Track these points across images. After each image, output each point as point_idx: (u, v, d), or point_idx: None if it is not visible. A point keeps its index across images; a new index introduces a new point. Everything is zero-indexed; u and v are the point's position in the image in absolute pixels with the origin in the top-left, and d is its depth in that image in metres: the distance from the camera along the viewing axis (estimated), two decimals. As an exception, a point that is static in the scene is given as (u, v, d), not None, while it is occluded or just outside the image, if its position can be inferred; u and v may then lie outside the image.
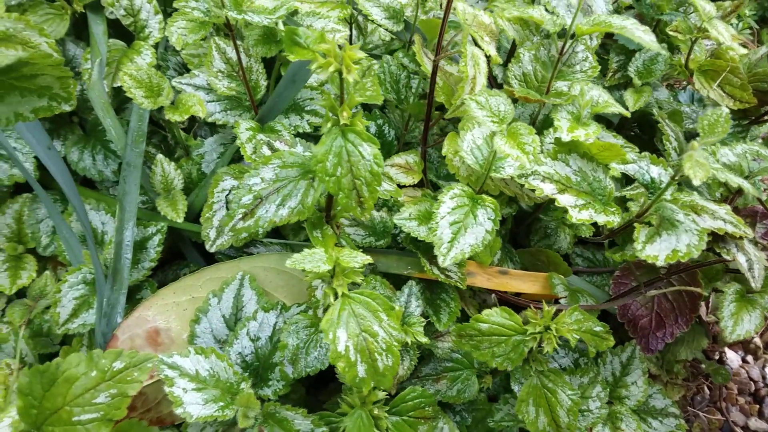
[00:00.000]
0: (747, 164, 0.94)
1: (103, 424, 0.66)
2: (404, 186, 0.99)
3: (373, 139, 0.65)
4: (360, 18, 1.19)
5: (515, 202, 1.02)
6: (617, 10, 1.14)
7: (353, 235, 0.93)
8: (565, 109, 0.86)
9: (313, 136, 0.98)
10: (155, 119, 1.07)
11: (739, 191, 1.00)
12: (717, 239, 0.84)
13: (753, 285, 0.85)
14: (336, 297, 0.69)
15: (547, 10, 0.90)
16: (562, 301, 0.96)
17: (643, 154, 0.84)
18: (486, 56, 0.79)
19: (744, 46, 1.25)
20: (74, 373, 0.65)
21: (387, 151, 1.05)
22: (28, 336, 0.92)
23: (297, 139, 0.86)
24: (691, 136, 1.23)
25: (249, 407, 0.69)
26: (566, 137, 0.81)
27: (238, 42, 0.91)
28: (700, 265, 0.96)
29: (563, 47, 0.88)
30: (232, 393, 0.74)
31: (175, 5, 0.86)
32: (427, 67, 0.87)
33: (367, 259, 0.69)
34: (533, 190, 0.83)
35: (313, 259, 0.66)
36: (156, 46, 1.05)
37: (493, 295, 0.96)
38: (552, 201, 0.84)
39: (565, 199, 0.79)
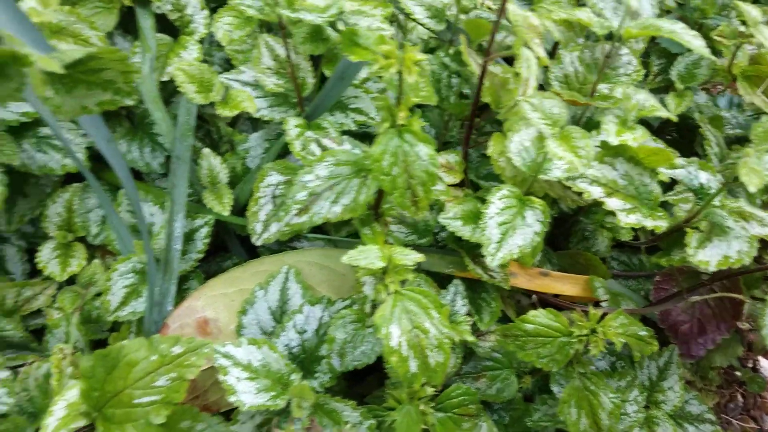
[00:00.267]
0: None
1: (163, 407, 0.67)
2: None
3: (429, 139, 0.66)
4: (400, 16, 1.20)
5: (555, 204, 1.03)
6: (660, 14, 1.13)
7: (396, 232, 0.94)
8: (612, 112, 0.86)
9: (357, 134, 0.99)
10: (199, 113, 1.09)
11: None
12: (765, 246, 0.84)
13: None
14: (388, 293, 0.70)
15: (594, 12, 0.90)
16: (603, 304, 0.96)
17: (691, 159, 0.84)
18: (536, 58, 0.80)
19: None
20: (135, 357, 0.67)
21: (428, 150, 1.06)
22: (79, 322, 0.94)
23: (344, 137, 0.87)
24: (730, 141, 1.22)
25: (303, 398, 0.71)
26: (614, 141, 0.81)
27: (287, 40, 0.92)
28: (742, 272, 0.95)
29: (610, 50, 0.88)
30: (282, 384, 0.76)
31: (228, 1, 0.88)
32: (474, 67, 0.88)
33: (420, 257, 0.70)
34: (580, 193, 0.83)
35: (369, 256, 0.68)
36: (201, 41, 1.07)
37: (534, 296, 0.97)
38: (594, 204, 0.84)
39: (613, 203, 0.80)
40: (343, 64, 0.86)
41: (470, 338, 0.82)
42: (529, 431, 0.98)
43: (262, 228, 0.92)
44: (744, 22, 1.09)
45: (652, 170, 0.86)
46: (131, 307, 0.92)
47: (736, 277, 0.98)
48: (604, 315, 0.81)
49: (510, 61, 1.04)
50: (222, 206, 0.96)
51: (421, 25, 1.01)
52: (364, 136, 1.04)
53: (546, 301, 0.99)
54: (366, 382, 1.09)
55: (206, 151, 0.98)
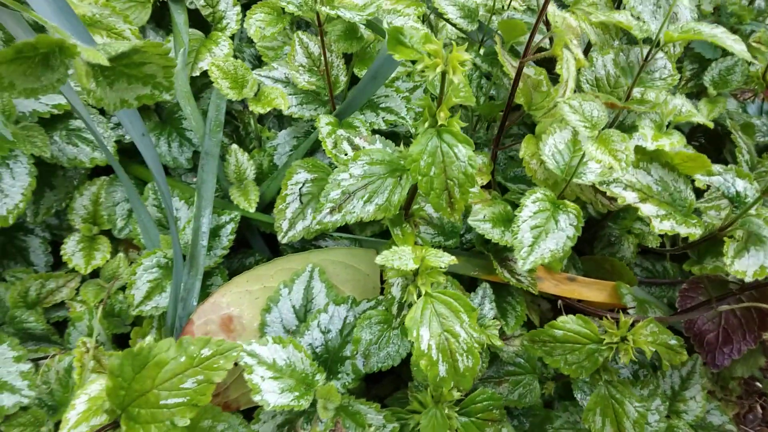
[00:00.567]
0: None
1: (188, 409, 0.67)
2: (473, 187, 0.99)
3: (468, 140, 0.65)
4: (431, 16, 1.19)
5: (583, 208, 1.02)
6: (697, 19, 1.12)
7: (423, 233, 0.93)
8: (648, 116, 0.85)
9: (385, 133, 0.99)
10: (227, 109, 1.09)
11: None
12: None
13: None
14: (419, 295, 0.69)
15: (632, 15, 0.88)
16: (630, 311, 0.95)
17: (729, 166, 0.83)
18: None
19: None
20: (164, 357, 0.66)
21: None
22: (101, 316, 0.94)
23: (376, 136, 0.87)
24: (760, 149, 1.20)
25: (329, 399, 0.70)
26: (651, 146, 0.80)
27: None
28: (773, 283, 0.94)
29: (648, 53, 0.86)
30: (307, 384, 0.75)
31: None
32: (508, 68, 0.87)
33: (453, 259, 0.69)
34: (612, 198, 0.82)
35: (402, 258, 0.67)
36: (233, 37, 1.06)
37: (559, 301, 0.95)
38: (622, 209, 0.83)
39: (647, 209, 0.79)
40: (378, 63, 0.85)
41: (499, 343, 0.81)
42: (550, 438, 0.97)
43: (288, 226, 0.92)
44: (779, 29, 1.08)
45: (686, 176, 0.84)
46: (155, 301, 0.92)
47: (765, 288, 0.96)
48: (634, 323, 0.80)
49: (539, 62, 1.03)
50: (248, 203, 0.96)
51: (453, 25, 1.00)
52: (391, 135, 1.03)
53: (570, 306, 0.98)
54: (383, 384, 1.08)
55: (234, 147, 0.97)
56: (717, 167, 0.83)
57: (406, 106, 0.94)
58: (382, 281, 0.94)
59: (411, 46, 0.60)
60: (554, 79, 1.00)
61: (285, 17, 0.97)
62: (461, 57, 0.58)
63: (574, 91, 1.06)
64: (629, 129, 0.95)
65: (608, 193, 0.80)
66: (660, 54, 0.95)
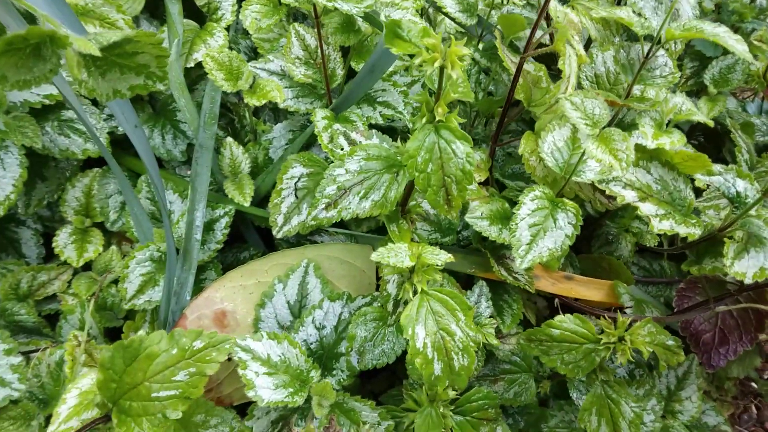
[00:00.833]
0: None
1: (180, 402, 0.66)
2: (470, 183, 0.98)
3: (466, 136, 0.64)
4: (430, 10, 1.18)
5: (582, 206, 1.01)
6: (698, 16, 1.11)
7: (419, 230, 0.92)
8: (649, 114, 0.84)
9: (383, 128, 0.97)
10: (222, 102, 1.07)
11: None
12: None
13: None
14: (415, 293, 0.68)
15: (634, 11, 0.87)
16: (627, 311, 0.94)
17: (729, 166, 0.82)
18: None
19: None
20: (156, 349, 0.65)
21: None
22: (93, 309, 0.93)
23: (373, 131, 0.86)
24: (759, 149, 1.19)
25: (324, 396, 0.69)
26: (651, 144, 0.79)
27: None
28: (771, 284, 0.93)
29: (649, 51, 0.85)
30: (301, 380, 0.75)
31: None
32: (508, 64, 0.86)
33: (449, 257, 0.69)
34: (611, 197, 0.81)
35: (398, 255, 0.66)
36: (228, 28, 1.05)
37: (556, 299, 0.95)
38: (621, 208, 0.82)
39: (646, 208, 0.78)
40: (375, 57, 0.83)
41: (495, 341, 0.80)
42: (545, 437, 0.97)
43: (283, 220, 0.90)
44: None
45: (686, 176, 0.84)
46: (147, 295, 0.91)
47: (763, 289, 0.96)
48: (632, 323, 0.79)
49: (539, 58, 1.02)
50: (243, 196, 0.94)
51: (452, 19, 0.99)
52: (389, 130, 1.02)
53: (567, 305, 0.97)
54: (378, 379, 1.08)
55: (229, 140, 0.96)
56: (717, 167, 0.82)
57: (403, 101, 0.92)
58: (378, 277, 0.94)
59: (409, 40, 0.59)
60: (554, 75, 0.99)
61: (281, 9, 0.95)
62: (460, 52, 0.57)
63: (574, 88, 1.06)
64: (629, 127, 0.94)
65: (607, 192, 0.79)
66: (661, 51, 0.94)
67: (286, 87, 0.93)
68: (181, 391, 0.66)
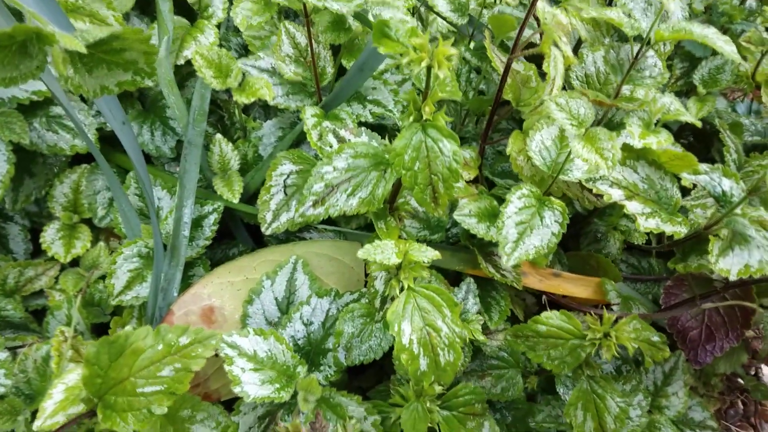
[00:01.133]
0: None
1: (166, 397, 0.66)
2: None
3: (453, 135, 0.64)
4: (421, 9, 1.18)
5: (569, 204, 1.01)
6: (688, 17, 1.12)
7: (408, 227, 0.93)
8: (636, 114, 0.85)
9: (373, 126, 0.98)
10: (212, 98, 1.07)
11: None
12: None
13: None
14: (402, 290, 0.69)
15: (623, 12, 0.88)
16: (614, 308, 0.95)
17: (716, 165, 0.83)
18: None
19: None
20: (141, 345, 0.66)
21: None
22: (80, 305, 0.93)
23: (362, 128, 0.86)
24: (748, 149, 1.20)
25: (310, 391, 0.69)
26: (638, 143, 0.79)
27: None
28: (756, 281, 0.94)
29: (639, 51, 0.86)
30: (288, 376, 0.75)
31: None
32: (497, 63, 0.86)
33: (436, 254, 0.69)
34: (598, 195, 0.82)
35: (385, 252, 0.66)
36: (219, 26, 1.05)
37: (544, 296, 0.95)
38: (608, 206, 0.83)
39: (633, 207, 0.78)
40: (365, 55, 0.84)
41: (481, 338, 0.80)
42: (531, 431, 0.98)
43: (272, 217, 0.90)
44: (769, 29, 1.08)
45: (673, 175, 0.84)
46: (135, 291, 0.91)
47: (748, 286, 0.97)
48: (618, 319, 0.80)
49: (529, 58, 1.03)
50: (232, 193, 0.94)
51: (443, 18, 0.99)
52: (379, 127, 1.02)
53: (554, 302, 0.98)
54: (366, 375, 1.08)
55: (219, 136, 0.96)
56: (704, 166, 0.83)
57: (393, 99, 0.93)
58: (367, 274, 0.94)
59: (396, 40, 0.59)
60: (544, 75, 0.99)
61: (272, 6, 0.95)
62: (447, 52, 0.58)
63: (564, 88, 1.06)
64: (617, 126, 0.95)
65: (594, 190, 0.80)
66: (650, 52, 0.94)
67: (276, 84, 0.93)
68: (166, 387, 0.66)
